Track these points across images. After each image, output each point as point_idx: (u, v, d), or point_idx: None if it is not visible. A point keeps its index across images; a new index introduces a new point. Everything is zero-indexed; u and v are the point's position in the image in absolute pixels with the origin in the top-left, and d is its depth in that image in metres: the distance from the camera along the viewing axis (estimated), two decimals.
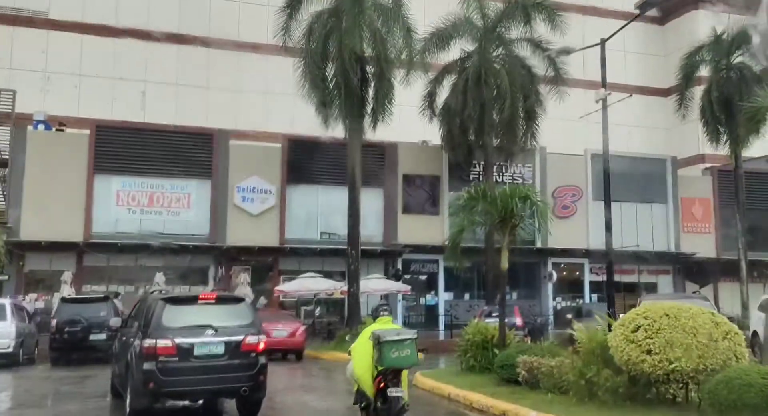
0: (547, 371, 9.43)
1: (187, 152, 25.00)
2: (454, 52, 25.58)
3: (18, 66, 29.26)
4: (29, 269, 23.18)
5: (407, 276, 26.83)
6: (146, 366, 8.29)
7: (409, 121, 27.63)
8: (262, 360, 8.78)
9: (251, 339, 8.72)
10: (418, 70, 23.35)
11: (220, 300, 9.47)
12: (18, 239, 22.40)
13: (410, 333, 7.85)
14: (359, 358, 7.83)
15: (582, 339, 8.83)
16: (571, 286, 29.26)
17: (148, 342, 8.38)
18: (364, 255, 23.11)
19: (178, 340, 8.37)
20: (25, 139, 23.56)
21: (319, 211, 26.35)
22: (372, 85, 21.57)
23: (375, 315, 8.23)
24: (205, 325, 8.61)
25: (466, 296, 27.84)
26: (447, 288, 27.40)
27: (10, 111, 23.88)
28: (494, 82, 23.91)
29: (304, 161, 25.94)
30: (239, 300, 9.85)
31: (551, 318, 27.32)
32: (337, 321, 24.23)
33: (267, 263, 25.42)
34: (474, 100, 23.67)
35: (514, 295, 27.87)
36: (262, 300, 24.71)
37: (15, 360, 15.99)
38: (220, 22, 32.51)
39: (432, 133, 27.84)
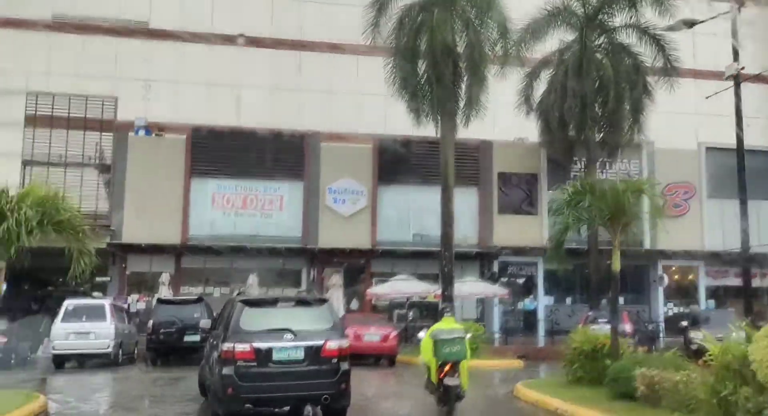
0: (671, 387, 8.29)
1: (280, 154, 25.00)
2: (550, 43, 24.27)
3: (121, 75, 30.31)
4: (131, 271, 23.80)
5: (504, 280, 25.69)
6: (225, 370, 8.02)
7: (503, 119, 26.48)
8: (345, 366, 8.38)
9: (332, 344, 8.32)
10: (513, 64, 22.24)
11: (301, 303, 9.13)
12: (120, 242, 23.05)
13: (460, 333, 9.66)
14: (426, 353, 9.56)
15: (714, 351, 7.63)
16: (683, 291, 27.13)
17: (227, 345, 8.11)
18: (459, 257, 22.22)
19: (256, 344, 8.09)
20: (126, 144, 24.28)
21: (411, 212, 25.68)
22: (464, 79, 20.68)
23: (440, 315, 9.62)
24: (283, 329, 8.27)
25: (568, 300, 26.34)
26: (547, 292, 26.02)
27: (112, 118, 24.68)
28: (596, 73, 22.44)
29: (395, 161, 25.36)
30: (321, 302, 9.33)
31: (661, 325, 25.40)
32: (430, 325, 23.41)
33: (359, 265, 25.00)
34: (574, 93, 22.28)
35: (621, 300, 26.06)
36: (355, 303, 24.32)
37: (114, 360, 16.25)
38: (312, 25, 32.52)
39: (527, 130, 26.57)
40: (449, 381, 9.27)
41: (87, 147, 24.29)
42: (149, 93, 30.88)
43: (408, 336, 21.28)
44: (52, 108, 23.93)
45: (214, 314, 17.69)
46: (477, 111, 20.70)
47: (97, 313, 16.08)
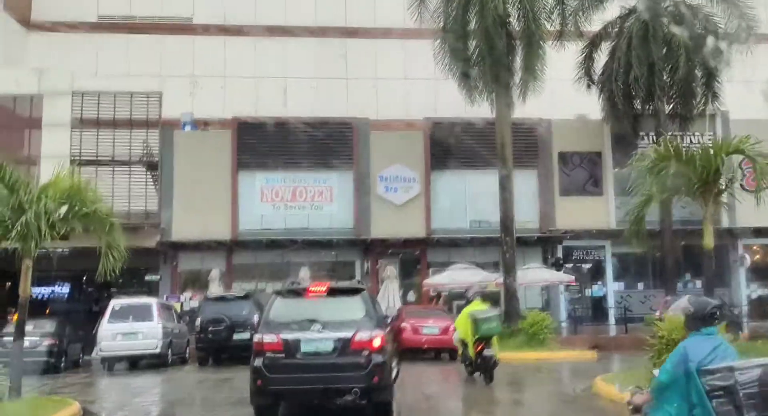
0: None
1: (328, 144, 24.12)
2: (611, 11, 22.57)
3: (166, 73, 30.05)
4: (182, 269, 23.37)
5: (568, 266, 24.18)
6: (255, 362, 7.90)
7: (560, 96, 24.96)
8: (378, 358, 7.94)
9: (363, 335, 7.94)
10: (570, 36, 20.76)
11: (333, 292, 8.70)
12: (170, 239, 22.62)
13: (495, 311, 12.69)
14: (462, 331, 11.94)
15: None
16: (765, 272, 25.04)
17: (257, 337, 8.03)
18: (520, 243, 20.89)
19: (283, 336, 7.90)
20: (172, 141, 23.81)
21: (467, 198, 24.43)
22: (519, 51, 19.27)
23: (469, 300, 12.24)
24: (311, 320, 8.01)
25: (639, 286, 24.63)
26: (616, 278, 24.37)
27: (158, 115, 24.26)
28: (664, 39, 20.65)
29: (448, 145, 24.13)
30: (355, 291, 8.78)
31: (744, 309, 23.43)
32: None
33: (414, 255, 23.92)
34: (640, 62, 20.58)
35: (697, 283, 24.25)
36: (411, 295, 23.28)
37: (163, 360, 15.66)
38: (357, 11, 31.67)
39: (587, 107, 24.93)
40: (488, 352, 11.48)
41: (134, 145, 23.95)
42: (195, 89, 30.65)
43: None
44: (98, 107, 23.64)
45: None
46: (534, 84, 19.27)
47: (144, 313, 15.52)
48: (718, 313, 4.35)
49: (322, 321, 7.92)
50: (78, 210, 9.30)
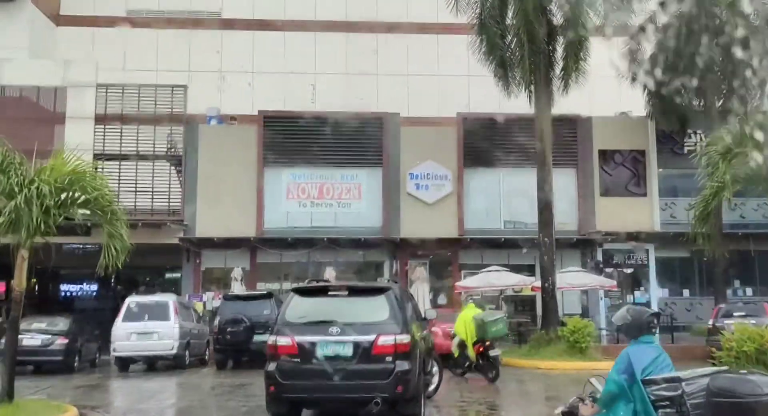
0: None
1: (356, 139, 23.20)
2: None
3: (195, 68, 29.51)
4: (206, 267, 22.64)
5: (608, 270, 22.87)
6: (269, 367, 7.42)
7: (601, 92, 23.81)
8: (404, 365, 7.27)
9: (386, 339, 7.23)
10: (613, 26, 19.54)
11: (354, 292, 8.03)
12: (193, 236, 21.93)
13: (501, 314, 13.88)
14: (464, 334, 12.74)
15: None
16: None
17: (270, 339, 7.55)
18: (557, 245, 19.58)
19: (298, 338, 7.34)
20: (197, 135, 23.13)
21: (502, 197, 23.30)
22: (560, 39, 18.10)
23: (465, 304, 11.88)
24: (330, 321, 7.40)
25: (685, 292, 23.21)
26: (661, 284, 22.98)
27: (183, 109, 23.57)
28: (718, 27, 19.28)
29: (482, 141, 23.05)
30: (379, 290, 8.04)
31: None
32: (528, 321, 20.97)
33: (445, 256, 22.85)
34: (691, 54, 19.21)
35: (748, 291, 22.79)
36: (442, 298, 22.22)
37: (180, 362, 14.84)
38: (388, 5, 30.79)
39: (630, 103, 23.67)
40: (494, 352, 12.48)
41: (158, 140, 23.28)
42: (223, 84, 30.08)
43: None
44: (122, 100, 23.04)
45: None
46: (576, 75, 18.09)
47: (160, 312, 14.73)
48: (654, 322, 4.34)
49: (341, 323, 7.30)
50: (77, 197, 8.50)
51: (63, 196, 8.20)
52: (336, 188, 22.96)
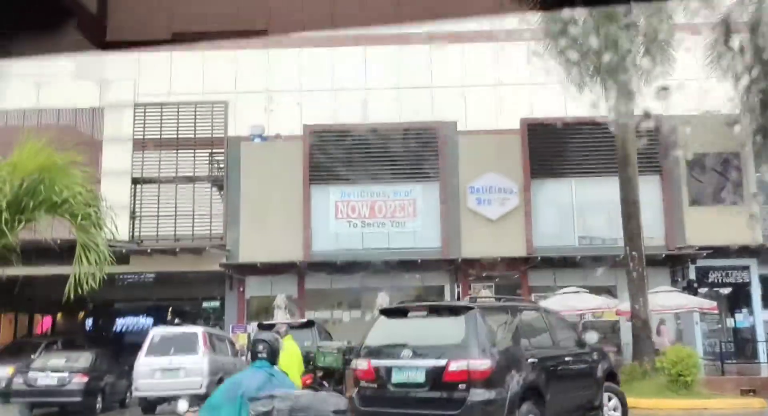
0: None
1: (410, 152, 21.18)
2: None
3: (241, 89, 28.41)
4: (250, 295, 20.86)
5: (702, 290, 19.94)
6: (353, 393, 7.33)
7: (685, 90, 21.11)
8: (482, 394, 6.41)
9: (457, 365, 6.52)
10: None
11: (434, 312, 7.60)
12: (236, 262, 20.27)
13: (339, 345, 13.02)
14: (288, 366, 8.65)
15: None
16: None
17: (353, 363, 7.58)
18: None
19: (375, 363, 7.16)
20: (239, 154, 21.60)
21: (575, 210, 20.77)
22: (642, 30, 15.75)
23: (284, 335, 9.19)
24: (401, 344, 7.06)
25: None
26: (766, 305, 19.86)
27: (224, 129, 22.12)
28: None
29: (550, 149, 20.70)
30: (460, 310, 7.29)
31: None
32: (614, 351, 18.20)
33: (513, 278, 20.40)
34: None
35: None
36: None
37: None
38: (441, 14, 29.10)
39: (720, 101, 20.90)
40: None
41: (198, 161, 21.88)
42: (270, 104, 28.82)
43: None
44: (161, 121, 21.77)
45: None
46: (663, 69, 15.67)
47: (187, 344, 12.86)
48: (260, 348, 4.67)
49: (413, 346, 6.90)
50: (43, 198, 6.73)
51: (22, 196, 6.48)
52: (389, 206, 20.95)
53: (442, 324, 7.25)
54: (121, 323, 29.98)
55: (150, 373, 12.55)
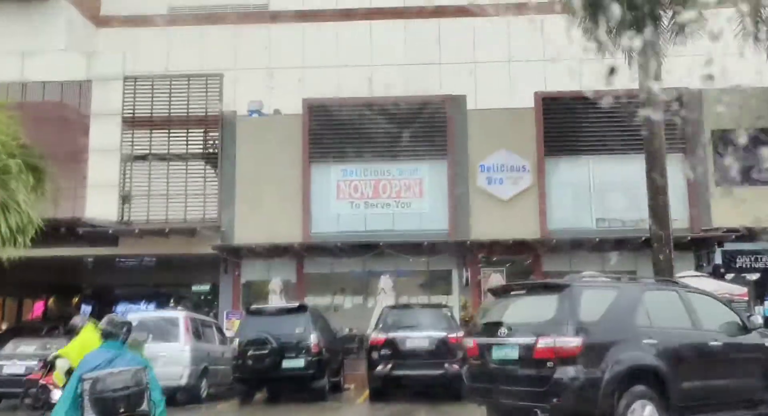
0: None
1: (416, 128, 19.84)
2: None
3: (241, 66, 27.14)
4: (246, 280, 19.67)
5: (729, 275, 18.61)
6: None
7: (707, 64, 19.64)
8: (567, 372, 6.33)
9: (545, 341, 6.55)
10: None
11: (533, 290, 7.80)
12: (231, 244, 19.08)
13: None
14: (74, 360, 7.88)
15: None
16: None
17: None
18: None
19: (477, 339, 7.58)
20: (234, 130, 20.34)
21: (593, 190, 19.44)
22: None
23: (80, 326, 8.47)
24: (499, 322, 7.31)
25: None
26: None
27: (218, 103, 20.83)
28: None
29: (566, 125, 19.32)
30: (558, 287, 7.22)
31: None
32: None
33: (526, 262, 19.11)
34: None
35: None
36: None
37: (194, 395, 11.68)
38: None
39: (749, 73, 19.42)
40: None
41: (192, 138, 20.64)
42: (271, 82, 27.57)
43: None
44: (152, 95, 20.53)
45: (335, 328, 13.00)
46: (695, 27, 14.22)
47: (167, 331, 11.63)
48: (110, 329, 5.12)
49: (510, 324, 7.15)
50: None
51: None
52: (394, 185, 19.68)
53: (541, 303, 7.19)
54: (121, 310, 29.00)
55: None
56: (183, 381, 11.23)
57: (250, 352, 11.25)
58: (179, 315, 12.06)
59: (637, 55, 14.27)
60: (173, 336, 11.49)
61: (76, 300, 27.79)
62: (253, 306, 12.76)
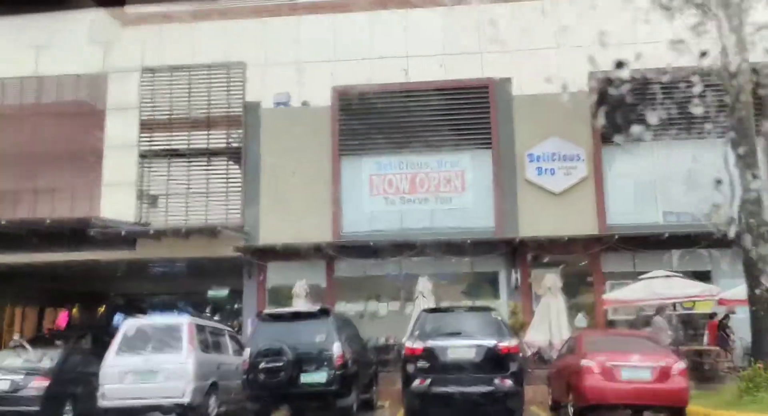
0: None
1: (457, 115, 18.00)
2: None
3: (270, 60, 25.77)
4: (272, 284, 18.00)
5: None
6: None
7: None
8: None
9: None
10: None
11: None
12: (255, 245, 17.47)
13: None
14: None
15: None
16: None
17: None
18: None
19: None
20: (259, 123, 18.78)
21: (658, 181, 17.26)
22: None
23: None
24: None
25: None
26: None
27: (241, 95, 19.33)
28: None
29: (625, 107, 17.09)
30: None
31: None
32: (715, 350, 14.61)
33: (582, 262, 16.99)
34: None
35: None
36: (581, 318, 16.34)
37: (200, 415, 9.95)
38: None
39: None
40: None
41: (214, 134, 19.17)
42: (303, 77, 26.08)
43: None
44: (171, 87, 19.14)
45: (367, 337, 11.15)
46: None
47: (168, 340, 9.96)
48: None
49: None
50: None
51: None
52: (432, 179, 17.82)
53: None
54: (118, 319, 27.72)
55: (119, 377, 9.66)
56: (186, 399, 9.52)
57: (261, 365, 9.44)
58: (182, 321, 10.36)
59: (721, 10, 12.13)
60: (174, 346, 9.82)
61: (102, 309, 26.58)
62: (266, 311, 10.96)
